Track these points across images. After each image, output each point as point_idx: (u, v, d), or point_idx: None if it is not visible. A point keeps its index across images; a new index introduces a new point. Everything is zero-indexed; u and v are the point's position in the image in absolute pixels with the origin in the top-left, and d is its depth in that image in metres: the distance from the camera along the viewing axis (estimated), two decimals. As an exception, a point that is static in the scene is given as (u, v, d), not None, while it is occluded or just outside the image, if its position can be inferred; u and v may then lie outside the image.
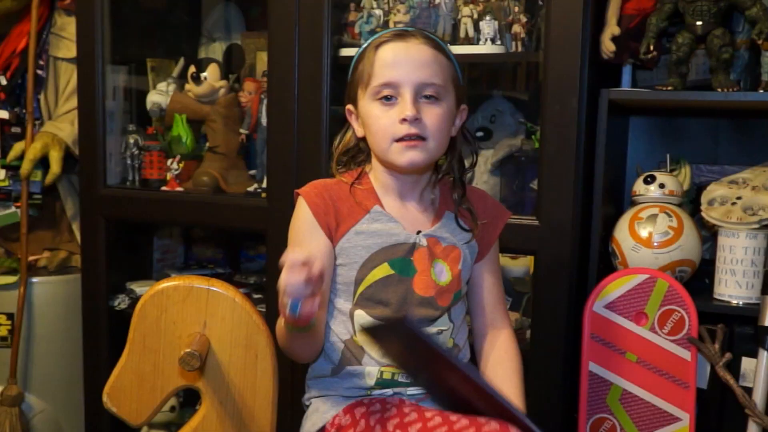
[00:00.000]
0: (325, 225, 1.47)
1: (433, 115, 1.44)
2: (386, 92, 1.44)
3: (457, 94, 1.50)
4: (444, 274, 1.52)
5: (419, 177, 1.54)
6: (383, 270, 1.48)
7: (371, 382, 1.48)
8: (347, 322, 1.49)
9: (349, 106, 1.54)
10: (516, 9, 2.11)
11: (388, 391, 1.48)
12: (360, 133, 1.53)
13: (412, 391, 1.49)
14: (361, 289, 1.48)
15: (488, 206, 1.62)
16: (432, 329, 1.51)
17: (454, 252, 1.53)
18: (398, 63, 1.44)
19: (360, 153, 1.58)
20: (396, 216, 1.51)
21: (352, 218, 1.49)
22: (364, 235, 1.48)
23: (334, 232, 1.48)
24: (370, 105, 1.47)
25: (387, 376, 1.48)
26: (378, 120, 1.46)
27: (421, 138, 1.43)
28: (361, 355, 1.48)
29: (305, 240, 1.47)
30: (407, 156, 1.44)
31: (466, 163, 1.60)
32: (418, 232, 1.51)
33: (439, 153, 1.49)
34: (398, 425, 1.35)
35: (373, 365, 1.48)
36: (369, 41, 1.50)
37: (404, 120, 1.42)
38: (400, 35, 1.47)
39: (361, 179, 1.54)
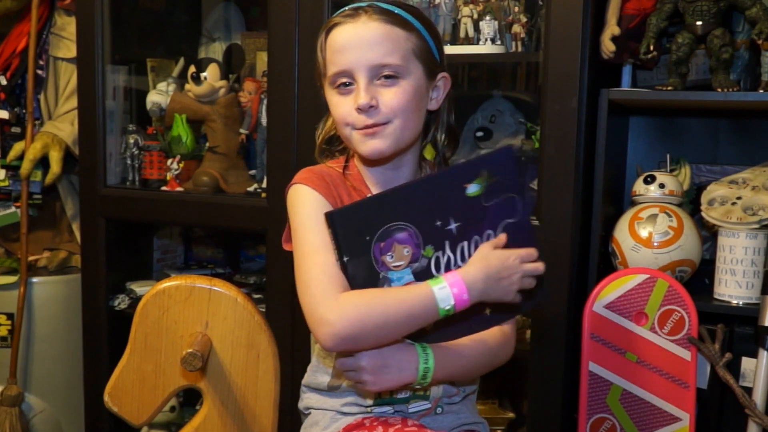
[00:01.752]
0: (333, 203, 1.39)
1: (392, 96, 1.35)
2: (342, 80, 1.36)
3: (428, 66, 1.40)
4: None
5: (398, 166, 1.45)
6: None
7: (369, 400, 1.41)
8: None
9: (322, 91, 1.46)
10: (516, 9, 2.11)
11: (389, 409, 1.41)
12: None
13: (414, 408, 1.42)
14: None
15: None
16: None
17: None
18: (348, 47, 1.35)
19: (340, 140, 1.50)
20: None
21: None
22: None
23: None
24: (330, 93, 1.40)
25: (385, 395, 1.40)
26: (337, 108, 1.38)
27: (381, 124, 1.35)
28: None
29: (321, 217, 1.33)
30: (369, 145, 1.36)
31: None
32: None
33: (407, 133, 1.38)
34: None
35: None
36: (323, 25, 1.42)
37: (359, 109, 1.34)
38: (351, 15, 1.37)
39: (349, 167, 1.47)
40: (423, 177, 1.33)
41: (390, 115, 1.35)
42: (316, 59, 1.43)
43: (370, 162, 1.44)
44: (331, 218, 1.28)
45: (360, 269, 1.30)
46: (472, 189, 1.31)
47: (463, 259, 1.33)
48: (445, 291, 1.27)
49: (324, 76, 1.41)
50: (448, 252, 1.33)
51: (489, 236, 1.34)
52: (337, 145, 1.52)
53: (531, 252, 1.33)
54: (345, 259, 1.29)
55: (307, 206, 1.38)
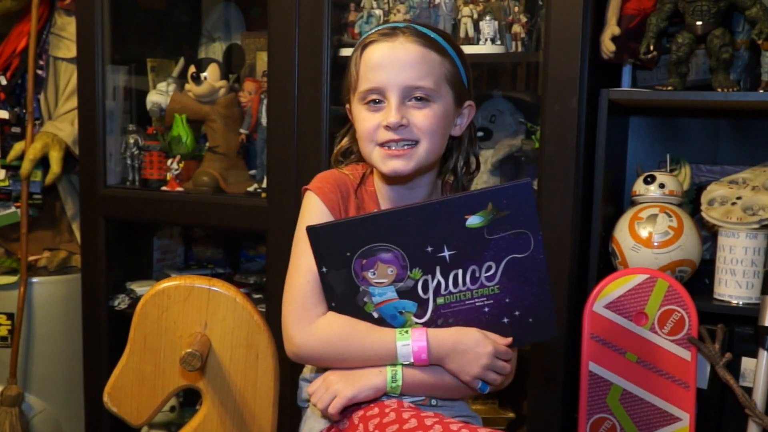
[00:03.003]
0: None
1: (422, 117, 1.37)
2: (372, 97, 1.39)
3: (457, 92, 1.42)
4: None
5: (413, 186, 1.47)
6: None
7: None
8: None
9: (347, 105, 1.49)
10: (516, 9, 2.11)
11: (383, 396, 1.41)
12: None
13: (408, 399, 1.42)
14: None
15: None
16: None
17: None
18: (383, 66, 1.37)
19: (360, 155, 1.51)
20: None
21: None
22: None
23: None
24: (358, 108, 1.42)
25: None
26: (363, 123, 1.40)
27: (409, 144, 1.37)
28: None
29: None
30: (390, 164, 1.38)
31: (473, 165, 1.54)
32: None
33: (431, 157, 1.41)
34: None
35: None
36: (360, 39, 1.44)
37: (388, 126, 1.36)
38: (388, 34, 1.39)
39: (365, 180, 1.49)
40: (419, 203, 1.33)
41: (419, 135, 1.38)
42: (347, 73, 1.45)
43: (387, 179, 1.46)
44: (311, 233, 1.32)
45: (338, 281, 1.35)
46: (473, 221, 1.30)
47: (455, 285, 1.34)
48: (407, 349, 1.35)
49: (354, 91, 1.42)
50: (438, 276, 1.34)
51: (490, 268, 1.33)
52: (351, 158, 1.54)
53: (506, 350, 1.38)
54: (323, 270, 1.34)
55: (312, 221, 1.40)
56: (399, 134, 1.37)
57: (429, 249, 1.31)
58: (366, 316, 1.37)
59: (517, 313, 1.36)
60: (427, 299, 1.35)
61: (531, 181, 1.32)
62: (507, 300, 1.35)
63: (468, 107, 1.47)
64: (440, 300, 1.35)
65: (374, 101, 1.39)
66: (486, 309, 1.36)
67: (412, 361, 1.35)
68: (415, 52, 1.37)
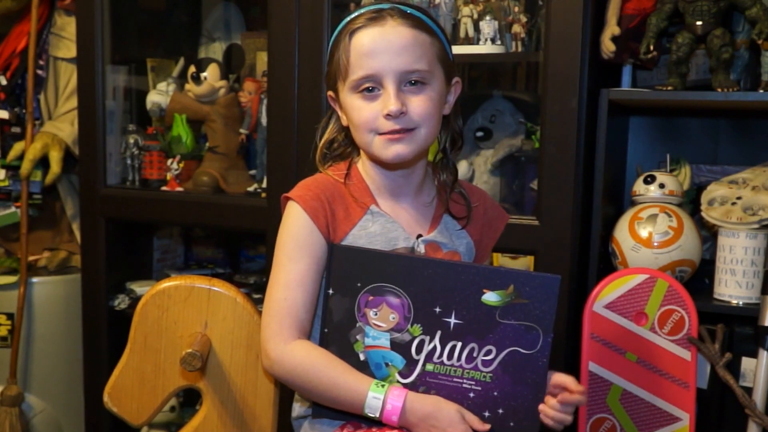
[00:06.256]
0: (324, 228, 1.36)
1: (420, 103, 1.33)
2: (367, 85, 1.33)
3: (446, 71, 1.39)
4: None
5: (411, 172, 1.42)
6: None
7: None
8: None
9: (331, 93, 1.43)
10: (516, 9, 2.11)
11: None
12: (345, 121, 1.42)
13: None
14: None
15: (488, 207, 1.52)
16: None
17: (455, 258, 1.44)
18: (376, 52, 1.31)
19: (346, 145, 1.47)
20: (393, 217, 1.41)
21: (349, 220, 1.38)
22: (364, 240, 1.37)
23: (333, 236, 1.36)
24: (350, 97, 1.36)
25: None
26: (360, 112, 1.35)
27: (408, 130, 1.33)
28: None
29: (305, 247, 1.35)
30: (392, 150, 1.34)
31: (458, 141, 1.49)
32: (418, 236, 1.41)
33: (429, 140, 1.37)
34: None
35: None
36: (341, 25, 1.38)
37: (388, 115, 1.31)
38: (376, 18, 1.33)
39: (351, 174, 1.43)
40: (444, 260, 1.31)
41: (418, 122, 1.34)
42: (332, 60, 1.40)
43: (387, 166, 1.41)
44: (331, 249, 1.33)
45: (340, 308, 1.32)
46: (490, 297, 1.27)
47: (450, 358, 1.30)
48: (377, 402, 1.27)
49: (344, 79, 1.37)
50: (436, 342, 1.30)
51: (490, 352, 1.29)
52: (337, 149, 1.48)
53: None
54: (330, 291, 1.32)
55: (294, 232, 1.37)
56: (398, 122, 1.32)
57: (437, 310, 1.29)
58: (352, 355, 1.32)
59: (500, 411, 1.30)
60: (417, 361, 1.31)
61: (560, 278, 1.28)
62: (495, 393, 1.30)
63: (455, 83, 1.44)
64: (429, 366, 1.30)
65: (368, 89, 1.34)
66: (471, 394, 1.31)
67: (377, 416, 1.28)
68: (407, 36, 1.32)
